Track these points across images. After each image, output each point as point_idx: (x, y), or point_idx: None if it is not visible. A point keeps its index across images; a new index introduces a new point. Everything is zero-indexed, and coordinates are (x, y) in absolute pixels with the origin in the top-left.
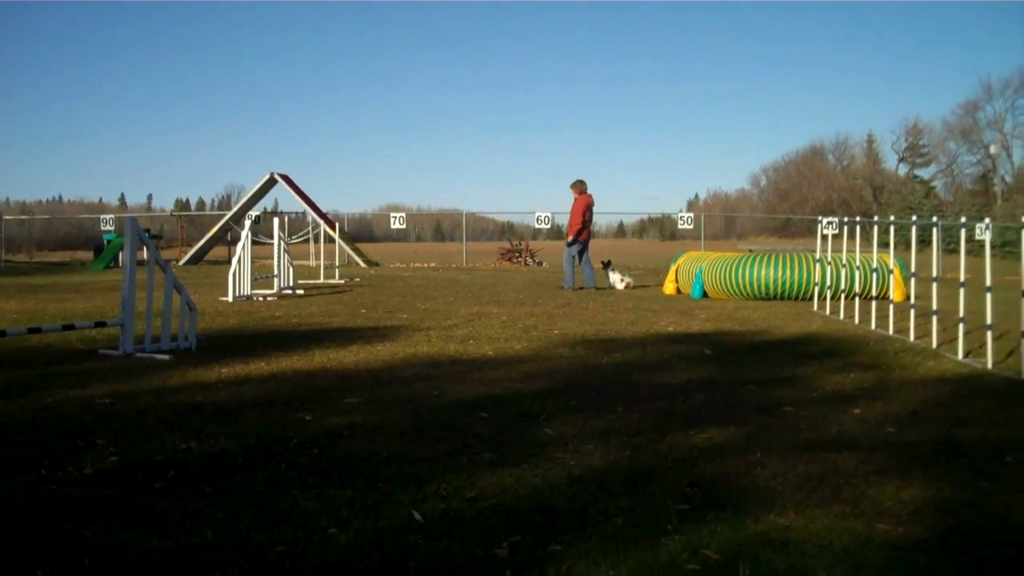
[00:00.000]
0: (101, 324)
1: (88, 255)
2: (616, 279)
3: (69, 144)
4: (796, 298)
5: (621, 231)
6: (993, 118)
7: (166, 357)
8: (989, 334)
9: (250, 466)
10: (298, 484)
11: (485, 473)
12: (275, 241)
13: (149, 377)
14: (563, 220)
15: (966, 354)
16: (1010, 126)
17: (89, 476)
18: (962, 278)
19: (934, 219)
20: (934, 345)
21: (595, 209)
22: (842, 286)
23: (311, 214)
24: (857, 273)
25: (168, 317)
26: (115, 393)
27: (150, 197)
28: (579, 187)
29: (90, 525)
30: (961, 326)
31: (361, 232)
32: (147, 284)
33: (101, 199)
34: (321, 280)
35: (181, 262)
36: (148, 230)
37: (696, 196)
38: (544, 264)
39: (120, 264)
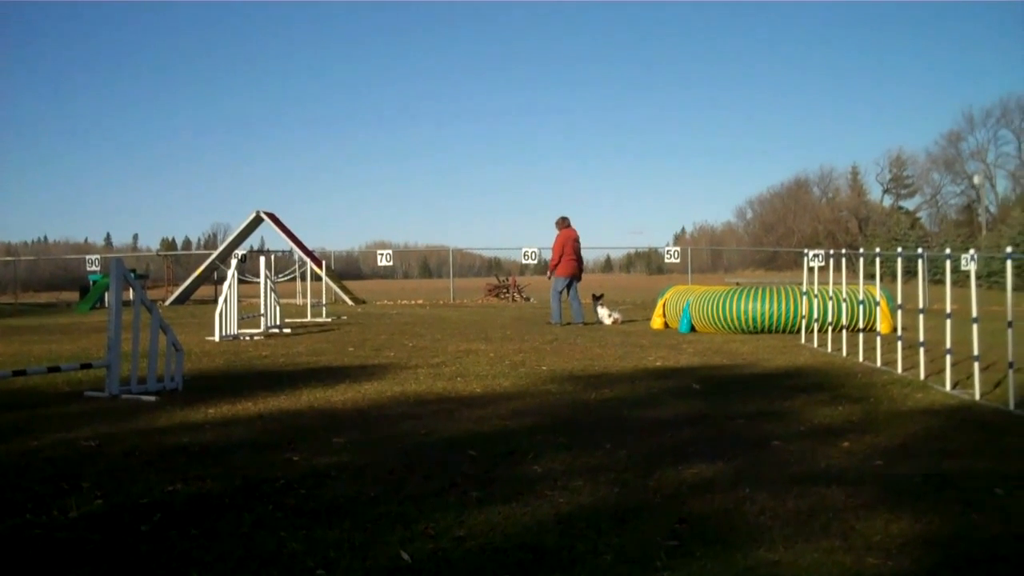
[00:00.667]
0: (87, 366)
1: (74, 296)
2: (604, 314)
3: (54, 184)
4: (784, 331)
5: (608, 265)
6: (976, 149)
7: (152, 398)
8: (976, 365)
9: (237, 507)
10: (285, 525)
11: (473, 512)
12: (262, 280)
13: (135, 418)
14: (550, 255)
15: (954, 385)
16: (993, 156)
17: (75, 520)
18: (948, 309)
19: (919, 250)
20: (922, 377)
21: (584, 244)
22: (829, 319)
23: (297, 252)
24: (844, 305)
25: (154, 358)
26: (101, 435)
27: (136, 237)
28: (560, 223)
29: (76, 569)
30: (948, 357)
31: (348, 270)
32: (133, 325)
33: (87, 239)
34: (308, 318)
35: (167, 302)
36: (134, 270)
37: (683, 230)
38: (531, 299)
39: (106, 305)
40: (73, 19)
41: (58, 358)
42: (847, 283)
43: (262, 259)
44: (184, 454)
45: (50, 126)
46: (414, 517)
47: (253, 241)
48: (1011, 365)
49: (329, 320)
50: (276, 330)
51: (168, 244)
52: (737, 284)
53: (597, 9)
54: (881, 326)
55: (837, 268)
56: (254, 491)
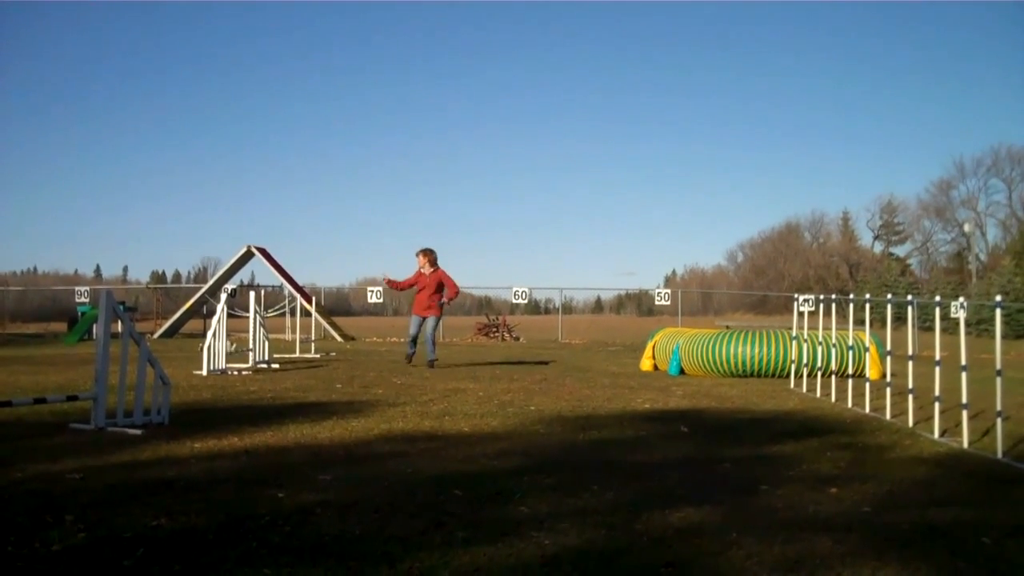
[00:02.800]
0: (73, 398)
1: (62, 327)
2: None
3: (45, 215)
4: (773, 375)
5: (599, 306)
6: (966, 197)
7: (138, 431)
8: (965, 413)
9: (221, 544)
10: (269, 563)
11: (459, 552)
12: (251, 314)
13: (120, 452)
14: (540, 295)
15: (942, 433)
16: (983, 205)
17: (57, 553)
18: (937, 356)
19: (909, 297)
20: (910, 424)
21: (575, 284)
22: (818, 364)
23: (288, 288)
24: (833, 351)
25: (141, 391)
26: (85, 468)
27: (126, 269)
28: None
29: None
30: (937, 405)
31: (338, 306)
32: (121, 357)
33: (76, 271)
34: (297, 354)
35: (156, 335)
36: (123, 302)
37: (673, 272)
38: (521, 339)
39: (94, 336)
40: (63, 55)
41: (44, 389)
42: (837, 328)
43: (252, 294)
44: (169, 488)
45: (41, 157)
46: (399, 556)
47: (243, 275)
48: (999, 414)
49: (318, 356)
50: (264, 365)
51: (158, 277)
52: (727, 327)
53: (585, 51)
54: (870, 372)
55: (827, 313)
56: (238, 527)
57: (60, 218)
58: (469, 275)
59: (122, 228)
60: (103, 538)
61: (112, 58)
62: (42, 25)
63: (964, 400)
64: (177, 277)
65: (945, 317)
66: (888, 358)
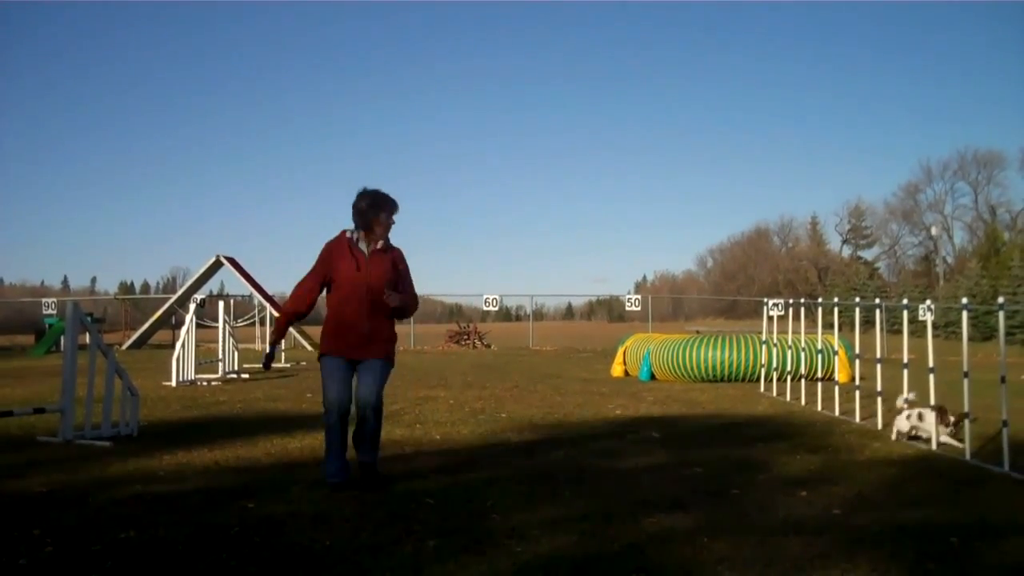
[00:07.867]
0: (40, 410)
1: (29, 339)
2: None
3: (10, 226)
4: (743, 379)
5: (569, 312)
6: (933, 200)
7: (107, 444)
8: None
9: (190, 556)
10: (239, 574)
11: (430, 561)
12: (220, 324)
13: (88, 465)
14: (511, 302)
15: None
16: (950, 208)
17: (24, 568)
18: (905, 359)
19: (877, 300)
20: (879, 426)
21: (546, 291)
22: (788, 367)
23: (257, 297)
24: (803, 354)
25: (109, 403)
26: (53, 482)
27: (94, 280)
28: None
29: None
30: (905, 407)
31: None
32: (88, 369)
33: (43, 282)
34: None
35: (124, 346)
36: (91, 314)
37: (644, 278)
38: (493, 346)
39: (62, 349)
40: (21, 63)
41: (11, 402)
42: (806, 332)
43: (221, 304)
44: (137, 501)
45: (5, 167)
46: (369, 566)
47: (213, 285)
48: (967, 415)
49: (288, 366)
50: (234, 375)
51: (126, 288)
52: (697, 332)
53: (554, 59)
54: (839, 375)
55: (796, 317)
56: (208, 539)
57: (26, 229)
58: (440, 283)
59: (90, 239)
60: (71, 552)
61: (77, 67)
62: None
63: (932, 402)
64: (146, 288)
65: (913, 320)
66: (857, 361)
